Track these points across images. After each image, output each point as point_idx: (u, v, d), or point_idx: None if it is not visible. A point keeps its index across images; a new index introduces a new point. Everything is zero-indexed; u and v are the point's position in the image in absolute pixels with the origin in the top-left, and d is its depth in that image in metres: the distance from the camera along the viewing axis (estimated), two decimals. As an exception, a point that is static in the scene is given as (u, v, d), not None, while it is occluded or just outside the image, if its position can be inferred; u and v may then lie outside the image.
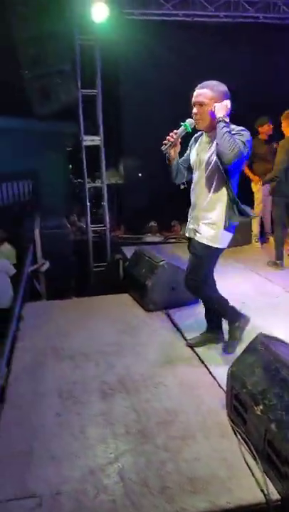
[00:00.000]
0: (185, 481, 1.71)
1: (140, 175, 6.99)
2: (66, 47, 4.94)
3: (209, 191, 2.49)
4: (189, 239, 2.66)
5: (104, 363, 2.73)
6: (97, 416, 2.21)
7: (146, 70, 5.66)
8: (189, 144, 2.62)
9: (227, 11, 5.71)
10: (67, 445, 2.00)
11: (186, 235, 2.69)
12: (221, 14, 5.67)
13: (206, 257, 2.56)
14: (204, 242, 2.51)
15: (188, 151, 2.63)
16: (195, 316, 3.29)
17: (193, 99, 2.44)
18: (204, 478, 1.71)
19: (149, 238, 6.73)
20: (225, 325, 2.85)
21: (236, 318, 2.76)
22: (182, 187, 2.69)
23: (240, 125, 2.44)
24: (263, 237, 5.59)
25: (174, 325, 3.22)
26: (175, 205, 7.46)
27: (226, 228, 2.49)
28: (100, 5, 4.63)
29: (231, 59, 5.82)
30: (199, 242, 2.53)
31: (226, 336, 2.82)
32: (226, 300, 2.71)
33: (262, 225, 5.58)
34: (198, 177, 2.54)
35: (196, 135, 2.61)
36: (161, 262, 3.45)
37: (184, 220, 7.27)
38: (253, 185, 5.36)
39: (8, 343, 2.93)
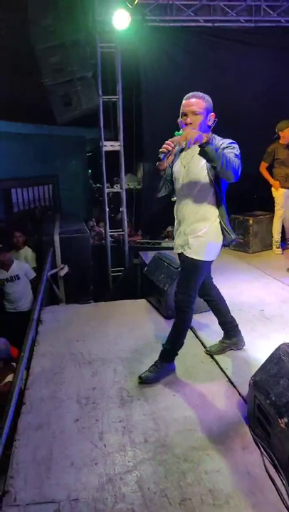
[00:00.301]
0: (206, 493, 1.67)
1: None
2: (88, 54, 5.00)
3: (199, 205, 2.42)
4: (179, 254, 2.59)
5: (123, 368, 2.71)
6: (116, 423, 2.19)
7: (166, 76, 5.67)
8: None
9: (248, 16, 5.68)
10: (86, 452, 1.99)
11: (175, 251, 2.61)
12: (242, 19, 5.64)
13: (195, 271, 2.49)
14: (194, 256, 2.45)
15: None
16: (214, 324, 3.23)
17: (187, 108, 2.35)
18: (226, 491, 1.67)
19: (167, 243, 6.71)
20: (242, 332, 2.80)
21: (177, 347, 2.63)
22: (173, 199, 2.63)
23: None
24: (284, 243, 5.50)
25: (193, 332, 3.17)
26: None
27: (215, 241, 2.46)
28: (122, 13, 4.66)
29: (253, 63, 5.77)
30: (188, 257, 2.46)
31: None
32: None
33: (283, 231, 5.49)
34: (186, 190, 2.44)
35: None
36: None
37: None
38: (273, 190, 5.28)
39: (27, 346, 2.95)
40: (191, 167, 2.42)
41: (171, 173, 2.53)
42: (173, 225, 8.07)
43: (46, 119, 7.13)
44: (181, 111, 2.38)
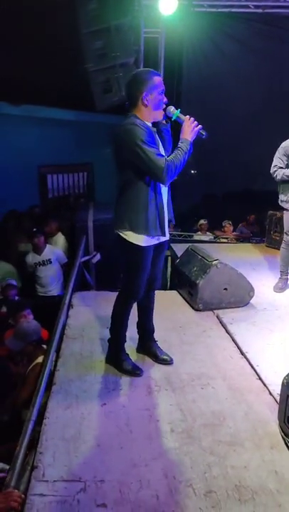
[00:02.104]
0: (232, 488, 1.66)
1: (193, 172, 6.90)
2: (131, 40, 4.94)
3: (168, 187, 2.41)
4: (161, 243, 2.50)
5: (151, 358, 2.72)
6: (142, 410, 2.21)
7: (210, 64, 5.54)
8: (152, 135, 2.29)
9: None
10: (113, 435, 2.03)
11: (164, 238, 2.45)
12: (294, 5, 5.38)
13: None
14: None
15: (153, 144, 2.28)
16: (246, 320, 3.20)
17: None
18: (252, 488, 1.66)
19: (198, 236, 6.65)
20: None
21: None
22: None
23: None
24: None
25: (223, 326, 3.14)
26: (228, 204, 7.36)
27: None
28: (170, -2, 4.56)
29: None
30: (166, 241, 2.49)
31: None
32: None
33: None
34: None
35: (144, 126, 2.25)
36: (215, 262, 3.38)
37: (235, 220, 7.10)
38: None
39: (58, 329, 3.01)
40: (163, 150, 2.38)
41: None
42: (205, 217, 8.00)
43: (84, 106, 7.17)
44: (162, 88, 2.27)
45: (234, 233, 6.75)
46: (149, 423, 2.11)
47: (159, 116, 2.30)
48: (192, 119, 2.28)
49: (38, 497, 1.68)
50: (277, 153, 3.67)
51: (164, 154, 2.25)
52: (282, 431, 1.94)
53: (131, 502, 1.66)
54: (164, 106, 2.29)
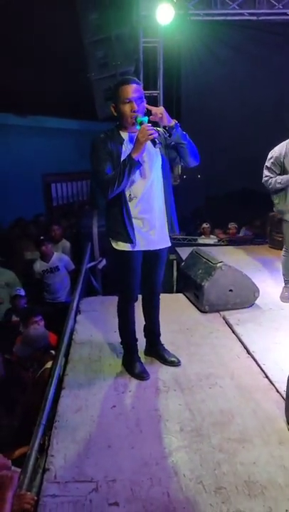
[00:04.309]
0: (241, 484, 1.68)
1: (199, 176, 6.98)
2: (131, 49, 5.05)
3: (163, 196, 2.40)
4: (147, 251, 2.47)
5: (159, 361, 2.75)
6: (152, 411, 2.24)
7: (207, 71, 5.66)
8: (108, 150, 2.28)
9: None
10: (123, 436, 2.05)
11: (154, 247, 2.44)
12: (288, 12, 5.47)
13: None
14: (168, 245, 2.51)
15: (106, 156, 2.28)
16: (252, 320, 3.22)
17: (134, 95, 2.23)
18: (262, 483, 1.68)
19: (203, 240, 6.69)
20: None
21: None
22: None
23: None
24: None
25: (230, 327, 3.17)
26: (230, 207, 7.41)
27: None
28: (165, 7, 4.67)
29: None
30: (164, 248, 2.51)
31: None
32: None
33: None
34: (151, 181, 2.34)
35: (105, 135, 2.31)
36: (219, 264, 3.41)
37: (241, 223, 7.13)
38: None
39: (66, 335, 3.05)
40: (152, 157, 2.37)
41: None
42: (207, 221, 8.04)
43: (87, 115, 7.28)
44: (127, 96, 2.23)
45: (237, 235, 6.79)
46: (159, 423, 2.13)
47: (129, 124, 2.29)
48: (149, 127, 2.17)
49: (50, 498, 1.71)
50: (266, 163, 3.56)
51: (105, 171, 2.24)
52: (290, 427, 1.96)
53: (142, 500, 1.68)
54: (133, 114, 2.23)
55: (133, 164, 2.19)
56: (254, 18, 5.44)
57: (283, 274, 3.76)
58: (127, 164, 2.19)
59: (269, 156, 3.55)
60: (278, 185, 3.47)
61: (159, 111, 2.28)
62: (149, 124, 2.20)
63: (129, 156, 2.20)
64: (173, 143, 2.37)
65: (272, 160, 3.51)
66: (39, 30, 5.47)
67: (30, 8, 4.94)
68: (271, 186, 3.52)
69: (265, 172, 3.55)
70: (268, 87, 5.92)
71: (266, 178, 3.54)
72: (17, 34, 5.56)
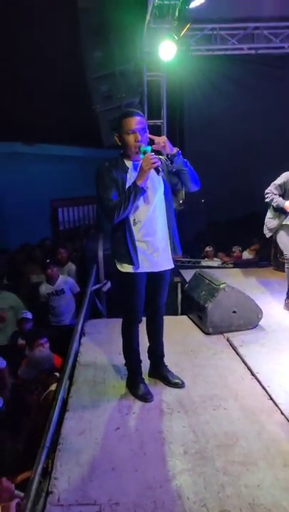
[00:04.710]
0: (246, 506, 1.67)
1: (203, 201, 7.15)
2: (135, 82, 5.31)
3: (166, 220, 2.49)
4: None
5: (163, 382, 2.75)
6: (156, 433, 2.23)
7: (209, 103, 5.92)
8: (113, 177, 2.38)
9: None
10: (127, 459, 2.05)
11: (156, 270, 2.50)
12: (286, 45, 5.75)
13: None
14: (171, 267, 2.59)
15: (112, 183, 2.37)
16: (256, 341, 3.23)
17: (137, 126, 2.35)
18: (266, 506, 1.66)
19: (206, 262, 6.74)
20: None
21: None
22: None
23: None
24: None
25: (234, 349, 3.17)
26: (233, 230, 7.51)
27: None
28: (168, 44, 4.92)
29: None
30: (167, 270, 2.58)
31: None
32: None
33: None
34: (154, 206, 2.43)
35: (109, 164, 2.41)
36: (222, 285, 3.45)
37: (245, 246, 7.20)
38: None
39: (70, 357, 3.07)
40: (155, 184, 2.48)
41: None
42: (210, 244, 8.16)
43: (92, 143, 7.53)
44: (130, 128, 2.34)
45: (242, 258, 6.84)
46: (163, 445, 2.12)
47: (133, 153, 2.38)
48: (153, 156, 2.27)
49: (53, 521, 1.70)
50: (276, 181, 3.88)
51: (110, 198, 2.33)
52: (295, 449, 1.95)
53: (146, 523, 1.67)
54: (137, 144, 2.34)
55: (138, 191, 2.31)
56: (253, 52, 5.72)
57: None
58: (132, 191, 2.30)
59: (279, 178, 3.89)
60: (273, 204, 3.86)
61: (162, 140, 2.41)
62: (152, 153, 2.32)
63: (134, 183, 2.31)
64: (175, 169, 2.48)
65: (280, 182, 3.86)
66: (47, 65, 5.79)
67: (38, 45, 5.25)
68: (268, 200, 3.90)
69: (271, 187, 3.90)
70: (268, 118, 6.16)
71: (269, 193, 3.90)
72: (26, 68, 5.87)
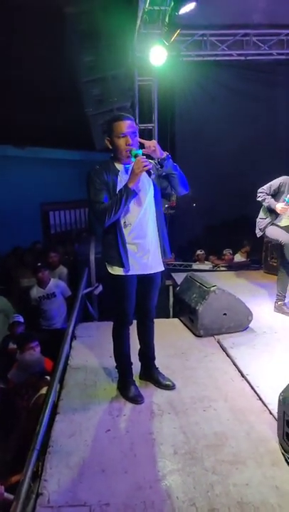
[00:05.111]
0: (234, 505, 1.68)
1: (194, 205, 7.21)
2: (127, 86, 5.36)
3: (156, 223, 2.52)
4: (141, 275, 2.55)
5: (154, 384, 2.76)
6: (146, 434, 2.24)
7: (200, 106, 5.99)
8: (103, 180, 2.39)
9: (280, 49, 5.89)
10: (117, 460, 2.05)
11: (146, 272, 2.53)
12: (274, 52, 5.85)
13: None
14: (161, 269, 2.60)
15: (103, 186, 2.39)
16: (246, 343, 3.26)
17: (128, 130, 2.37)
18: (254, 503, 1.68)
19: (197, 266, 6.78)
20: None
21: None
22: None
23: None
24: None
25: (224, 351, 3.20)
26: (226, 234, 7.59)
27: None
28: (159, 49, 4.98)
29: (286, 94, 5.98)
30: (158, 273, 2.60)
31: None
32: None
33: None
34: (144, 209, 2.46)
35: (100, 167, 2.43)
36: (213, 288, 3.48)
37: (236, 249, 7.27)
38: None
39: (61, 361, 3.06)
40: (145, 186, 2.51)
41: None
42: (202, 248, 8.20)
43: (84, 146, 7.55)
44: (121, 131, 2.36)
45: (233, 261, 6.89)
46: (153, 446, 2.13)
47: (124, 157, 2.41)
48: (144, 159, 2.30)
49: (43, 522, 1.70)
50: (272, 182, 3.93)
51: (101, 201, 2.34)
52: (282, 447, 1.97)
53: (136, 524, 1.67)
54: (128, 148, 2.36)
55: (129, 193, 2.33)
56: (242, 58, 5.81)
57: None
58: (124, 193, 2.32)
59: (275, 180, 3.94)
60: (264, 203, 3.94)
61: (152, 144, 2.44)
62: (144, 157, 2.34)
63: (126, 185, 2.33)
64: (164, 173, 2.51)
65: (273, 183, 3.92)
66: (40, 69, 5.80)
67: (30, 49, 5.26)
68: (260, 199, 3.96)
69: (264, 187, 3.97)
70: (259, 121, 6.26)
71: (261, 192, 3.96)
72: (18, 71, 5.88)
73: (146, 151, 2.43)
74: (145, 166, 2.29)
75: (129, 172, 2.35)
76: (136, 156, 2.32)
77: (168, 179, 2.54)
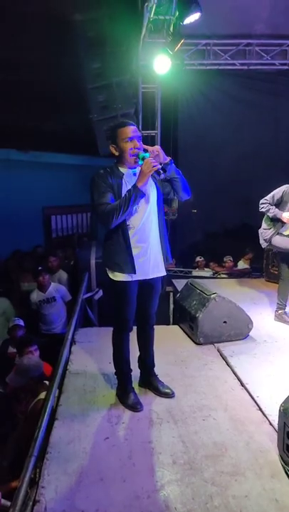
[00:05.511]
0: (233, 517, 1.67)
1: (195, 211, 7.22)
2: (131, 94, 5.42)
3: (158, 227, 2.52)
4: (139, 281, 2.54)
5: (153, 392, 2.75)
6: (145, 443, 2.23)
7: (202, 114, 6.04)
8: (108, 183, 2.41)
9: (283, 60, 5.94)
10: (116, 469, 2.04)
11: (148, 277, 2.52)
12: (277, 62, 5.90)
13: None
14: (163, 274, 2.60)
15: (108, 188, 2.40)
16: (246, 352, 3.25)
17: (134, 134, 2.42)
18: (253, 516, 1.66)
19: (197, 272, 6.78)
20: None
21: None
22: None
23: None
24: None
25: (224, 359, 3.19)
26: (228, 241, 7.60)
27: None
28: (163, 58, 5.03)
29: (286, 105, 6.04)
30: (159, 278, 2.59)
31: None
32: None
33: None
34: (148, 212, 2.46)
35: (104, 171, 2.45)
36: (213, 295, 3.47)
37: (237, 256, 7.27)
38: None
39: (60, 366, 3.05)
40: (149, 190, 2.52)
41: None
42: (202, 255, 8.19)
43: (87, 151, 7.57)
44: (127, 136, 2.41)
45: (234, 268, 6.89)
46: (152, 455, 2.12)
47: (130, 161, 2.43)
48: (152, 160, 2.34)
49: (40, 531, 1.68)
50: (274, 191, 3.91)
51: (107, 202, 2.34)
52: (282, 459, 1.96)
53: (133, 534, 1.66)
54: (136, 151, 2.40)
55: (138, 193, 2.33)
56: (245, 67, 5.86)
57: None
58: (132, 193, 2.32)
59: (278, 189, 3.92)
60: (269, 214, 3.90)
61: (156, 149, 2.47)
62: (152, 158, 2.37)
63: (135, 185, 2.34)
64: (168, 178, 2.54)
65: (276, 193, 3.89)
66: (46, 75, 5.85)
67: (38, 54, 5.30)
68: (263, 210, 3.93)
69: (267, 197, 3.94)
70: (261, 130, 6.31)
71: (264, 203, 3.93)
72: (23, 76, 5.92)
73: (150, 157, 2.45)
74: (154, 166, 2.31)
75: (138, 173, 2.36)
76: (143, 158, 2.36)
77: (171, 183, 2.56)
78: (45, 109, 6.91)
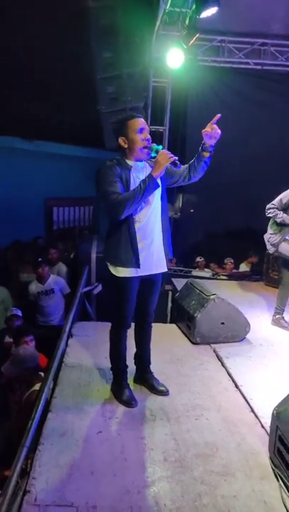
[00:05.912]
0: (221, 517, 1.68)
1: (192, 211, 7.20)
2: (141, 87, 5.35)
3: (161, 223, 2.50)
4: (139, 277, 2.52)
5: (148, 389, 2.76)
6: (138, 439, 2.24)
7: (212, 111, 5.91)
8: (117, 174, 2.37)
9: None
10: (107, 463, 2.05)
11: (150, 272, 2.51)
12: (291, 64, 5.87)
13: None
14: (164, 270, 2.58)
15: (117, 178, 2.36)
16: (242, 354, 3.26)
17: (144, 125, 2.42)
18: (241, 517, 1.68)
19: (197, 272, 6.78)
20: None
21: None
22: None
23: None
24: None
25: (220, 360, 3.20)
26: (230, 242, 7.59)
27: None
28: (176, 52, 4.97)
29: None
30: (159, 274, 2.59)
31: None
32: None
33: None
34: (152, 207, 2.46)
35: (111, 162, 2.41)
36: (212, 296, 3.48)
37: (239, 258, 7.25)
38: None
39: (56, 358, 3.06)
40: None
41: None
42: (202, 255, 8.15)
43: (93, 143, 7.52)
44: (138, 127, 2.40)
45: (234, 271, 6.88)
46: (143, 451, 2.14)
47: (141, 154, 2.42)
48: (167, 152, 2.32)
49: (29, 520, 1.70)
50: (281, 195, 3.88)
51: (118, 191, 2.30)
52: (272, 462, 1.97)
53: (122, 528, 1.68)
54: (147, 144, 2.40)
55: (152, 183, 2.31)
56: (259, 67, 5.81)
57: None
58: (147, 183, 2.29)
59: (285, 193, 3.88)
60: (276, 219, 3.85)
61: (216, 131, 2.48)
62: (166, 150, 2.35)
63: (150, 175, 2.32)
64: (205, 160, 2.50)
65: (284, 198, 3.84)
66: (54, 64, 5.79)
67: (44, 40, 5.23)
68: (271, 215, 3.88)
69: (274, 202, 3.90)
70: (271, 131, 6.26)
71: (271, 208, 3.89)
72: (30, 65, 5.87)
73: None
74: (171, 157, 2.29)
75: (154, 163, 2.34)
76: (157, 151, 2.35)
77: (196, 165, 2.50)
78: (52, 98, 6.85)
